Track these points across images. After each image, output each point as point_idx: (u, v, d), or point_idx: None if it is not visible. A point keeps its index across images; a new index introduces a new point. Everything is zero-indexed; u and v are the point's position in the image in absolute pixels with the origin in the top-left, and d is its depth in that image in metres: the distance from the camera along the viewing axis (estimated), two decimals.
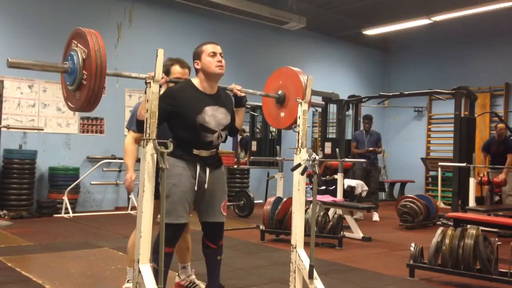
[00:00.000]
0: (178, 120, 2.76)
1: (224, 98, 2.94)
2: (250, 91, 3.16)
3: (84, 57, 2.29)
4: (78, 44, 2.35)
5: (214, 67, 2.78)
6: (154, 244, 2.68)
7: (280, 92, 3.26)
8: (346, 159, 7.70)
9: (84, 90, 2.29)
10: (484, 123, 9.90)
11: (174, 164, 2.73)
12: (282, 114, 3.29)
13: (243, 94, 3.02)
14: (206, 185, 2.84)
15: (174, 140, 2.79)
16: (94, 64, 2.23)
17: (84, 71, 2.29)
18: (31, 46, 7.44)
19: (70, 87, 2.37)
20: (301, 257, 3.05)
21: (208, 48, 2.81)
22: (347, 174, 8.11)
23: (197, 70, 2.87)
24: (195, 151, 2.81)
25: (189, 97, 2.77)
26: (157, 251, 2.63)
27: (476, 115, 8.44)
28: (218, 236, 2.97)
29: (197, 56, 2.84)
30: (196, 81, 2.86)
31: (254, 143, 10.02)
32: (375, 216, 7.86)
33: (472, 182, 7.09)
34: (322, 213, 5.62)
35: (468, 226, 4.28)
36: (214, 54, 2.79)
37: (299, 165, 3.02)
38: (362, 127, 8.52)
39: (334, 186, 7.57)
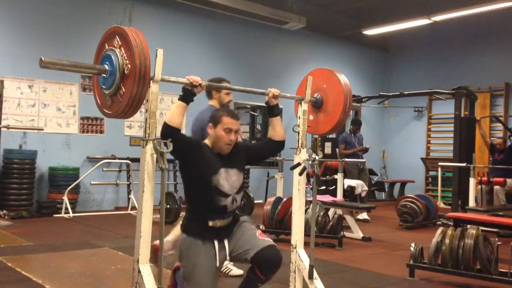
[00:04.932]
0: (195, 178, 2.68)
1: (236, 156, 2.79)
2: (288, 95, 3.05)
3: (126, 71, 2.20)
4: (122, 48, 2.25)
5: (223, 144, 2.69)
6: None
7: (317, 95, 3.17)
8: (346, 159, 7.73)
9: (122, 101, 2.22)
10: (485, 123, 9.88)
11: (190, 244, 2.65)
12: (311, 117, 3.19)
13: (276, 102, 2.91)
14: (228, 256, 2.72)
15: (189, 208, 2.78)
16: (137, 81, 2.16)
17: (122, 86, 2.22)
18: (31, 45, 7.43)
19: (106, 91, 2.31)
20: (301, 257, 3.05)
21: (227, 122, 2.67)
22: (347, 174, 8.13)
23: (208, 133, 2.76)
24: (211, 223, 2.67)
25: (207, 155, 2.69)
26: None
27: (477, 119, 8.48)
28: (273, 268, 2.66)
29: (214, 121, 2.71)
30: (208, 142, 2.76)
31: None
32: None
33: (472, 182, 7.09)
34: (322, 213, 5.61)
35: (468, 226, 4.28)
36: (229, 131, 2.68)
37: (298, 164, 3.02)
38: (348, 130, 8.64)
39: (334, 186, 7.58)
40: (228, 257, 2.73)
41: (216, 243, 2.67)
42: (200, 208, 2.71)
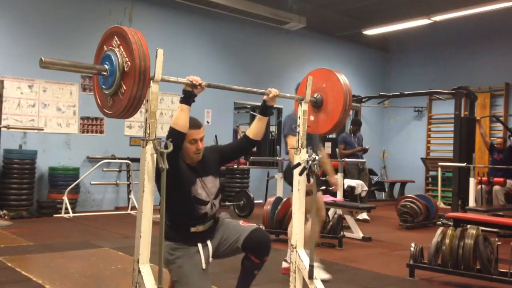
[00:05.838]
0: (174, 189, 2.62)
1: (207, 162, 2.86)
2: (288, 95, 3.09)
3: (126, 69, 2.20)
4: (121, 47, 2.25)
5: (192, 154, 2.75)
6: None
7: (317, 95, 3.16)
8: (347, 159, 7.73)
9: (122, 101, 2.22)
10: (485, 123, 9.90)
11: (174, 248, 2.72)
12: (312, 118, 3.20)
13: (274, 103, 2.97)
14: (211, 256, 2.78)
15: (169, 217, 2.78)
16: (137, 79, 2.16)
17: (123, 85, 2.22)
18: (31, 45, 7.43)
19: (107, 91, 2.31)
20: (301, 257, 3.05)
21: (191, 134, 2.71)
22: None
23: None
24: (193, 229, 2.75)
25: (182, 167, 2.74)
26: None
27: (477, 118, 8.50)
28: (265, 249, 2.79)
29: None
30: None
31: None
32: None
33: (472, 182, 7.10)
34: None
35: (468, 226, 4.28)
36: (195, 141, 2.74)
37: (298, 164, 3.02)
38: (348, 130, 8.68)
39: (334, 186, 7.56)
40: (211, 257, 2.78)
41: (200, 245, 2.75)
42: (181, 217, 2.78)
